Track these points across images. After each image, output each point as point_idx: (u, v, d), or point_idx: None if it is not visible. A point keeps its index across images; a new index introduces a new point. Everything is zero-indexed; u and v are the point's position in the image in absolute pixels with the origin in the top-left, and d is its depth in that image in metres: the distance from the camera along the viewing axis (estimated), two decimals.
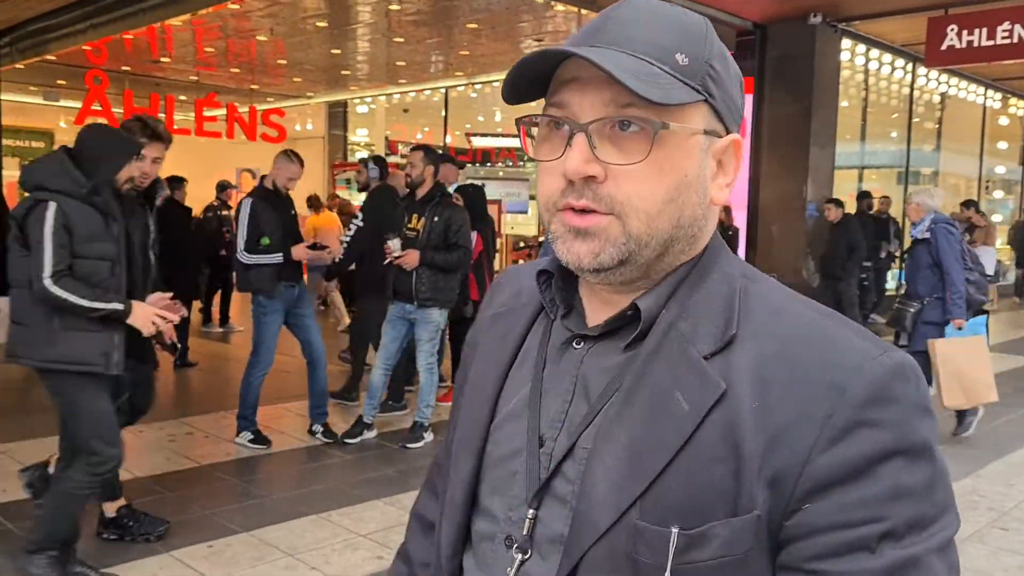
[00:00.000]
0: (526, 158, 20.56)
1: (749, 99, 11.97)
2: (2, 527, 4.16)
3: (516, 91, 0.87)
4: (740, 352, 0.80)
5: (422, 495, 1.18)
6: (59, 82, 16.09)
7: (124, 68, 14.54)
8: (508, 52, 13.08)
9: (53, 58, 12.78)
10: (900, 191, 14.69)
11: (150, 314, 3.52)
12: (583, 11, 9.77)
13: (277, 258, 5.64)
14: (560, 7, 9.76)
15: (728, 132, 0.87)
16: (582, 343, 0.90)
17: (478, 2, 10.14)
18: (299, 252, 5.74)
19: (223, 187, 10.92)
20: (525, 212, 15.24)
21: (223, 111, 14.59)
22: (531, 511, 0.86)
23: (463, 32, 11.92)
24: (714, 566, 0.76)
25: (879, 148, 15.13)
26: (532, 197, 21.80)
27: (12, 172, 16.21)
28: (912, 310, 6.15)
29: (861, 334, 0.80)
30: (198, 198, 13.54)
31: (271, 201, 5.76)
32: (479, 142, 18.66)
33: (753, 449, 0.75)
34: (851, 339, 0.80)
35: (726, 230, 11.72)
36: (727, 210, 11.75)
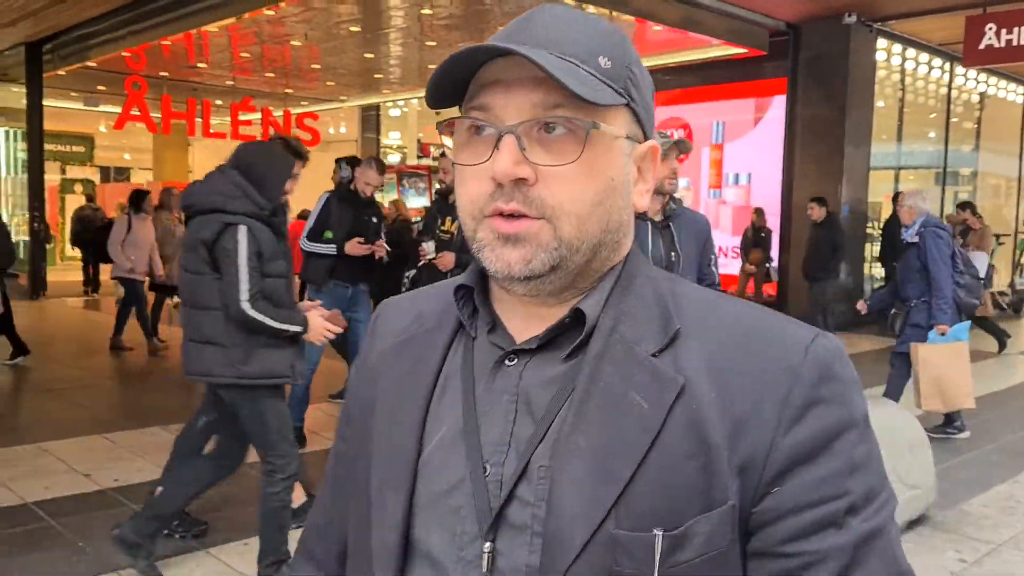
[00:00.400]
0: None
1: (782, 99, 11.91)
2: (44, 523, 4.26)
3: (439, 94, 0.84)
4: (686, 347, 0.79)
5: (297, 566, 1.06)
6: (99, 88, 16.39)
7: (162, 73, 14.78)
8: None
9: (93, 64, 13.03)
10: (938, 192, 14.48)
11: (322, 327, 3.69)
12: (614, 13, 9.76)
13: (331, 249, 5.75)
14: (591, 9, 9.75)
15: (646, 138, 0.87)
16: (515, 359, 0.85)
17: (509, 5, 10.18)
18: (351, 247, 5.82)
19: None
20: None
21: (258, 115, 14.79)
22: (487, 544, 0.80)
23: (494, 35, 11.96)
24: (699, 564, 0.75)
25: (916, 148, 14.93)
26: None
27: (53, 176, 16.59)
28: (903, 313, 6.14)
29: (792, 321, 0.82)
30: None
31: (348, 200, 5.91)
32: None
33: (719, 439, 0.75)
34: (787, 325, 0.81)
35: (758, 231, 11.66)
36: (759, 211, 11.68)
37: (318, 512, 1.05)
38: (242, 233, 3.39)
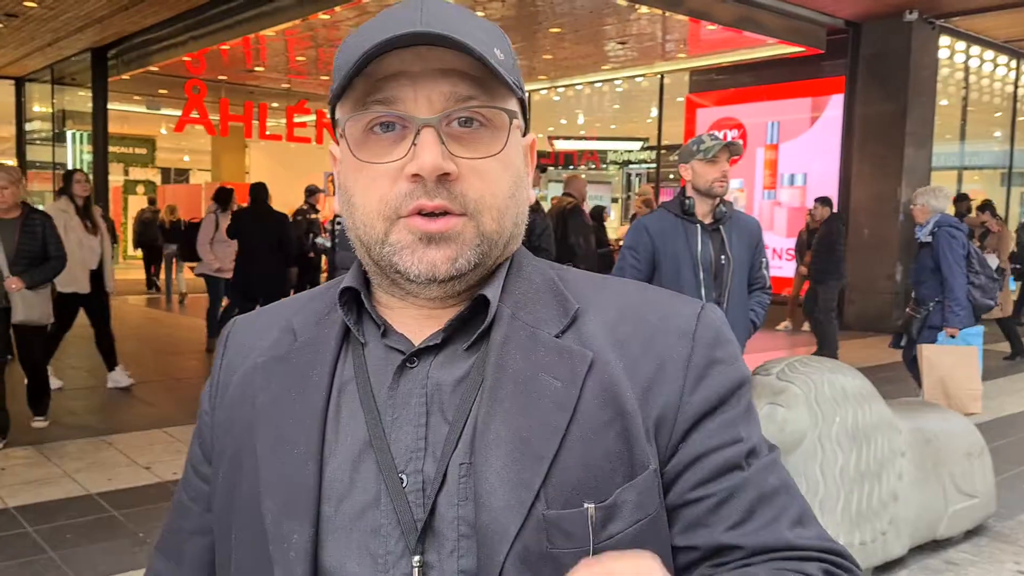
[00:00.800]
0: (609, 161, 20.49)
1: (839, 99, 11.70)
2: (107, 513, 4.39)
3: (342, 88, 0.78)
4: (585, 324, 0.80)
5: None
6: (160, 91, 16.80)
7: (221, 77, 15.09)
8: (592, 55, 13.08)
9: (155, 69, 13.36)
10: (1003, 193, 14.10)
11: None
12: (667, 13, 9.70)
13: None
14: (644, 9, 9.72)
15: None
16: (417, 361, 0.80)
17: (562, 7, 10.18)
18: None
19: (311, 191, 11.22)
20: (609, 216, 15.18)
21: (313, 117, 15.00)
22: (416, 559, 0.74)
23: (546, 36, 11.97)
24: (632, 534, 0.75)
25: (981, 148, 14.56)
26: (615, 200, 21.71)
27: (117, 177, 17.03)
28: (919, 316, 5.95)
29: (675, 294, 0.86)
30: (288, 202, 13.96)
31: None
32: (562, 145, 18.70)
33: (633, 405, 0.76)
34: (672, 297, 0.85)
35: (813, 233, 11.47)
36: (812, 214, 11.48)
37: (170, 546, 0.95)
38: None
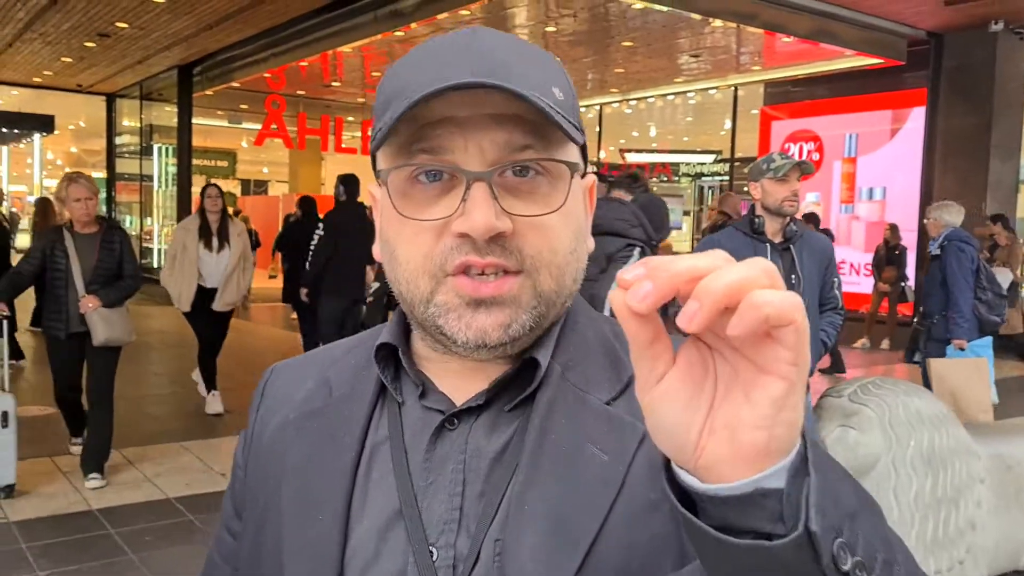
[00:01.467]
0: (681, 173, 20.32)
1: (920, 111, 11.40)
2: (184, 518, 4.55)
3: (388, 135, 0.70)
4: None
5: None
6: (242, 106, 17.31)
7: (299, 92, 15.48)
8: (664, 68, 13.02)
9: (237, 85, 13.80)
10: None
11: None
12: (741, 26, 9.61)
13: None
14: (718, 23, 9.65)
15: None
16: (457, 423, 0.74)
17: (634, 21, 10.17)
18: None
19: None
20: (679, 228, 15.05)
21: None
22: None
23: (618, 50, 11.97)
24: None
25: None
26: (686, 212, 21.52)
27: (199, 189, 17.60)
28: (924, 328, 5.88)
29: None
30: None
31: None
32: (633, 158, 18.61)
33: None
34: None
35: (892, 249, 11.18)
36: (893, 228, 11.21)
37: None
38: (635, 255, 3.89)
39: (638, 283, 0.47)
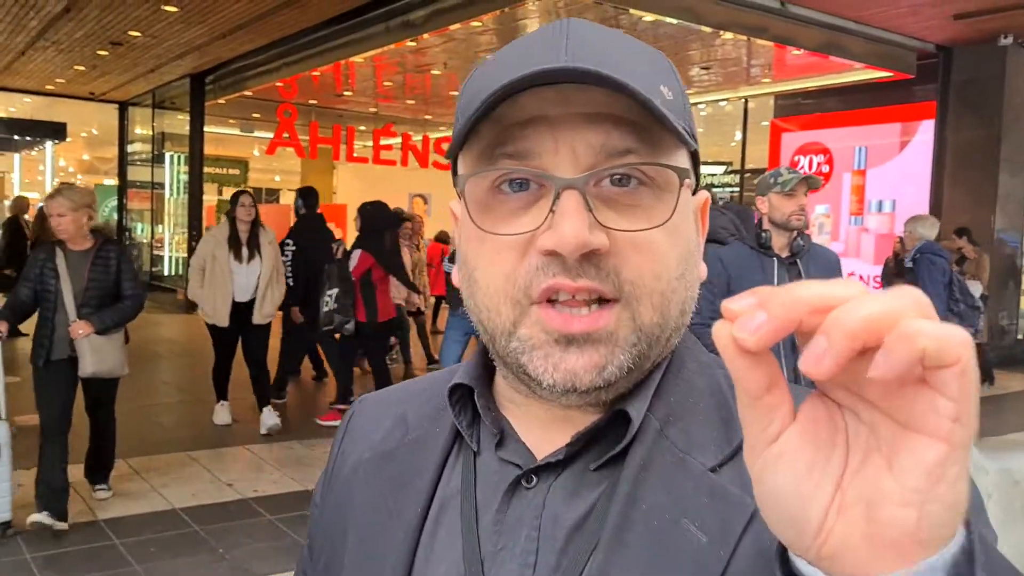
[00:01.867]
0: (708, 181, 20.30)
1: (931, 124, 11.38)
2: (189, 529, 4.55)
3: (464, 136, 0.61)
4: None
5: None
6: (254, 115, 17.41)
7: (311, 101, 15.56)
8: None
9: (249, 94, 13.86)
10: None
11: None
12: (751, 38, 9.61)
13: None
14: (728, 35, 9.65)
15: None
16: (536, 479, 0.64)
17: (645, 34, 10.19)
18: None
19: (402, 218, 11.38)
20: None
21: (398, 140, 15.32)
22: None
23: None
24: None
25: None
26: None
27: (210, 197, 17.66)
28: None
29: None
30: None
31: None
32: None
33: None
34: None
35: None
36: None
37: None
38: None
39: (749, 313, 0.38)
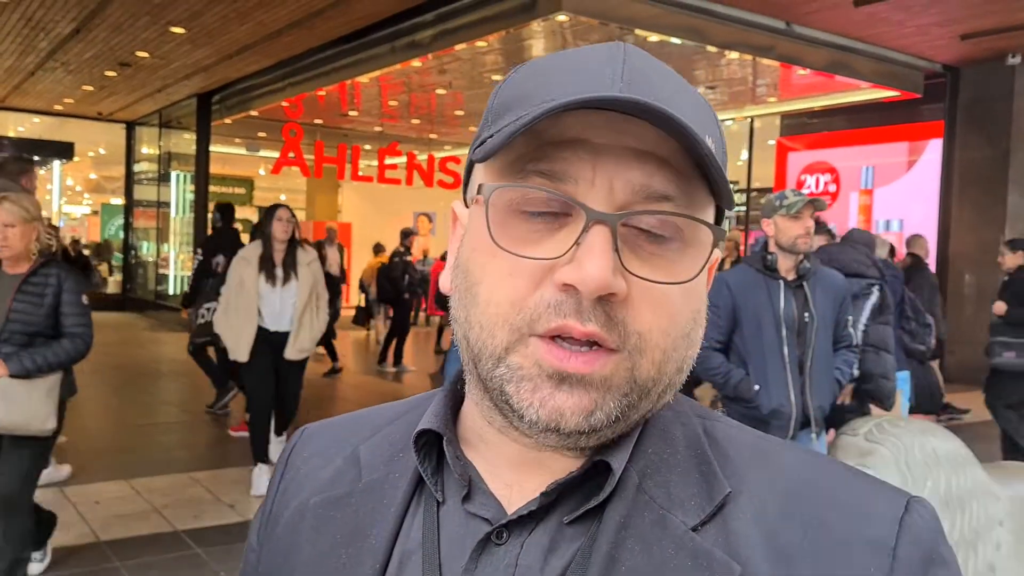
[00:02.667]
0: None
1: (938, 143, 11.36)
2: (191, 551, 4.51)
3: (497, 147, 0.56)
4: (735, 518, 0.57)
5: None
6: (259, 135, 17.47)
7: (316, 121, 15.62)
8: None
9: (255, 113, 13.93)
10: None
11: None
12: (757, 58, 9.62)
13: None
14: (733, 55, 9.66)
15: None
16: (506, 535, 0.59)
17: (653, 53, 10.14)
18: None
19: (406, 234, 11.47)
20: None
21: (403, 159, 15.35)
22: None
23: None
24: None
25: None
26: None
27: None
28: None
29: (871, 479, 0.60)
30: (374, 238, 14.28)
31: None
32: None
33: None
34: (863, 484, 0.60)
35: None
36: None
37: None
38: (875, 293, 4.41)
39: None
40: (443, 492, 0.63)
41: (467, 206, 0.64)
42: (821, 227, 8.35)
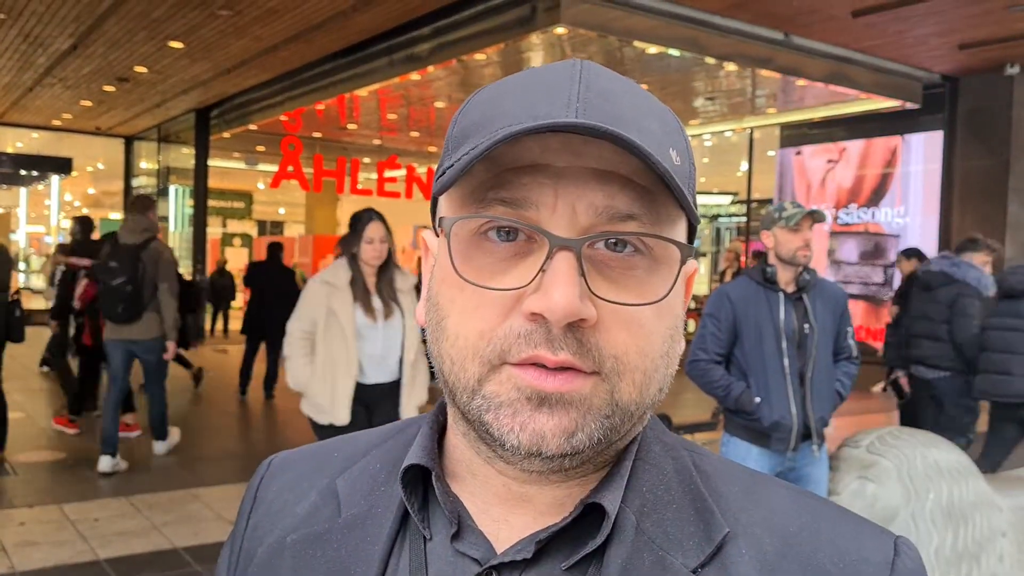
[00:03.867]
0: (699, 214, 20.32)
1: (938, 154, 11.37)
2: (191, 569, 4.48)
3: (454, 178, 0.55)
4: (736, 557, 0.56)
5: None
6: (258, 149, 17.50)
7: (315, 134, 15.64)
8: (680, 111, 13.06)
9: (254, 127, 13.94)
10: None
11: None
12: (756, 69, 9.63)
13: None
14: (731, 67, 9.68)
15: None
16: None
17: (649, 64, 10.22)
18: None
19: None
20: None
21: (403, 172, 15.36)
22: None
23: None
24: None
25: None
26: (703, 254, 21.47)
27: (215, 230, 17.75)
28: None
29: (859, 519, 0.61)
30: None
31: None
32: None
33: None
34: (854, 525, 0.60)
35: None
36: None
37: None
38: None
39: None
40: (430, 527, 0.61)
41: (437, 236, 0.63)
42: (912, 252, 8.25)
